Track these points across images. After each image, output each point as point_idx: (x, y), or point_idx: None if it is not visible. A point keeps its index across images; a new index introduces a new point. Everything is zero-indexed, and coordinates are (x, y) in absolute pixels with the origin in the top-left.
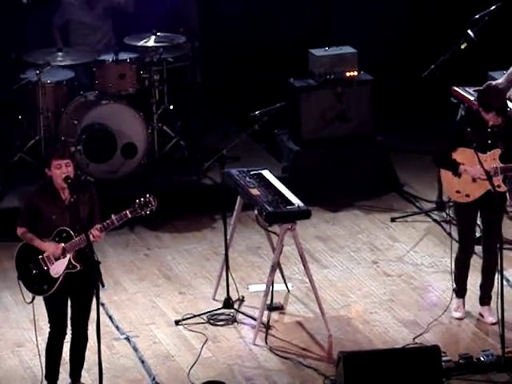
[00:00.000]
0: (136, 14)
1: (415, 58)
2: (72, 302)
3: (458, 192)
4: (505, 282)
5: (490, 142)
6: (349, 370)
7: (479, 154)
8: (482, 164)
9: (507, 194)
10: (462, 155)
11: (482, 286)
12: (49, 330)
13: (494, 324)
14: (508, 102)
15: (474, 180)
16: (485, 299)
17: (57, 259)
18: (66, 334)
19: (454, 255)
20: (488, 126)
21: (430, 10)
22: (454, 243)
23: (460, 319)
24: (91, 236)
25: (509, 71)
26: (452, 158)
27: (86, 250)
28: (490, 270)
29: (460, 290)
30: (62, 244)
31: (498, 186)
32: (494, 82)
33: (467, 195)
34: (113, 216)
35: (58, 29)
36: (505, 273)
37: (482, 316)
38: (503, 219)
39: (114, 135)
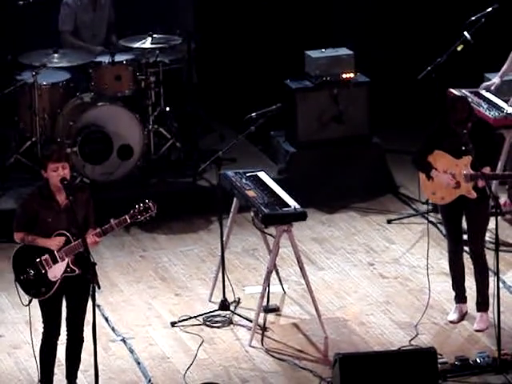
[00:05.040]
0: (132, 16)
1: (412, 60)
2: (68, 303)
3: (433, 194)
4: (501, 284)
5: (463, 148)
6: (345, 371)
7: (451, 158)
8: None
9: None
10: (439, 158)
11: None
12: (43, 330)
13: (477, 331)
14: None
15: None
16: (477, 305)
17: (55, 263)
18: (59, 334)
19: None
20: (463, 133)
21: (427, 12)
22: (442, 245)
23: (452, 322)
24: (89, 241)
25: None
26: (427, 160)
27: (82, 252)
28: (477, 275)
29: (457, 295)
30: (63, 237)
31: (468, 192)
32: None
33: (442, 198)
34: (112, 221)
35: (70, 34)
36: (501, 275)
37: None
38: (499, 221)
39: (110, 137)
